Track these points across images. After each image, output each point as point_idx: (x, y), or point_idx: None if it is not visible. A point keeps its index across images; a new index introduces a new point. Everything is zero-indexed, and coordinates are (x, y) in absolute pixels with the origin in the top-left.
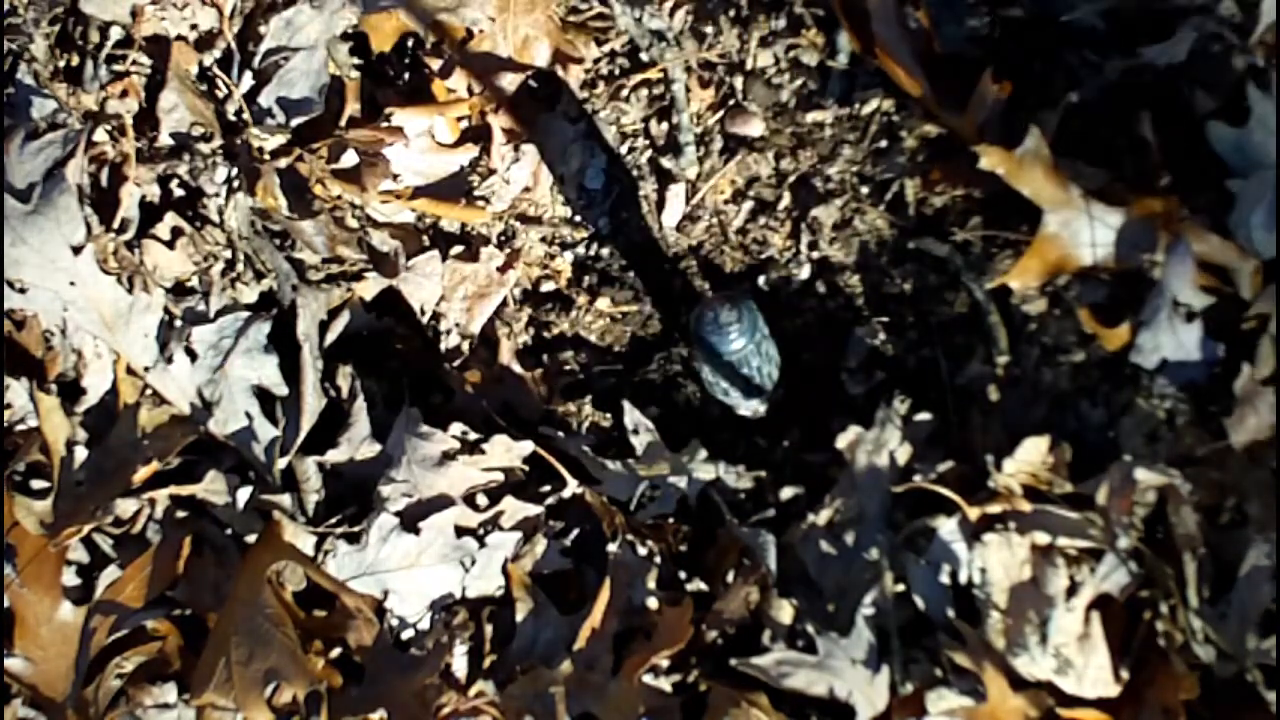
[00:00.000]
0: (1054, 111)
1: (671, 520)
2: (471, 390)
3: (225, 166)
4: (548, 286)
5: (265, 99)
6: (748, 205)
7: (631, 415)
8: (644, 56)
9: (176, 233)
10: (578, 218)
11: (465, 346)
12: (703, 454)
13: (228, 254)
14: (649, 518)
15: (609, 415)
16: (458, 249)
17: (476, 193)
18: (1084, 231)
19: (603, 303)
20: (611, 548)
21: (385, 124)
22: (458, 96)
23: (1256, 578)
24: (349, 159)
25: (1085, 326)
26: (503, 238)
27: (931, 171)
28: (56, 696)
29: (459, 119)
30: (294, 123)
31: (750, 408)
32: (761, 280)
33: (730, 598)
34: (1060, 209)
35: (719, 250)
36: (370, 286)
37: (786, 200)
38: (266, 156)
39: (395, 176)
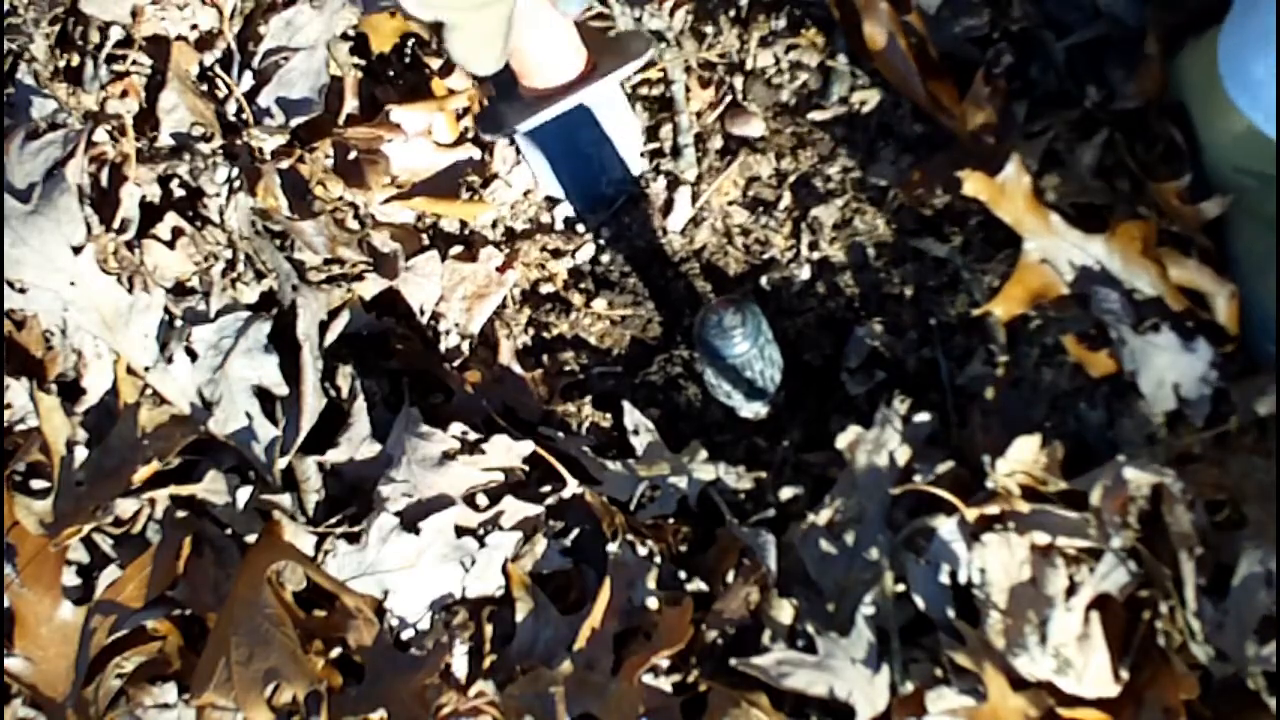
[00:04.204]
0: (1040, 140)
1: (671, 520)
2: (471, 390)
3: (225, 166)
4: (547, 288)
5: (265, 99)
6: (748, 206)
7: (631, 415)
8: None
9: (176, 233)
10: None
11: (465, 346)
12: (703, 454)
13: (228, 254)
14: (649, 518)
15: (609, 415)
16: (457, 249)
17: (477, 193)
18: (1065, 259)
19: (601, 304)
20: (611, 548)
21: (384, 121)
22: (457, 95)
23: (1252, 583)
24: (349, 159)
25: (1070, 354)
26: (503, 238)
27: (923, 172)
28: (56, 696)
29: (459, 118)
30: (294, 123)
31: (753, 410)
32: (763, 281)
33: (730, 598)
34: (1040, 237)
35: (721, 252)
36: (370, 287)
37: (787, 200)
38: (266, 156)
39: (395, 176)
